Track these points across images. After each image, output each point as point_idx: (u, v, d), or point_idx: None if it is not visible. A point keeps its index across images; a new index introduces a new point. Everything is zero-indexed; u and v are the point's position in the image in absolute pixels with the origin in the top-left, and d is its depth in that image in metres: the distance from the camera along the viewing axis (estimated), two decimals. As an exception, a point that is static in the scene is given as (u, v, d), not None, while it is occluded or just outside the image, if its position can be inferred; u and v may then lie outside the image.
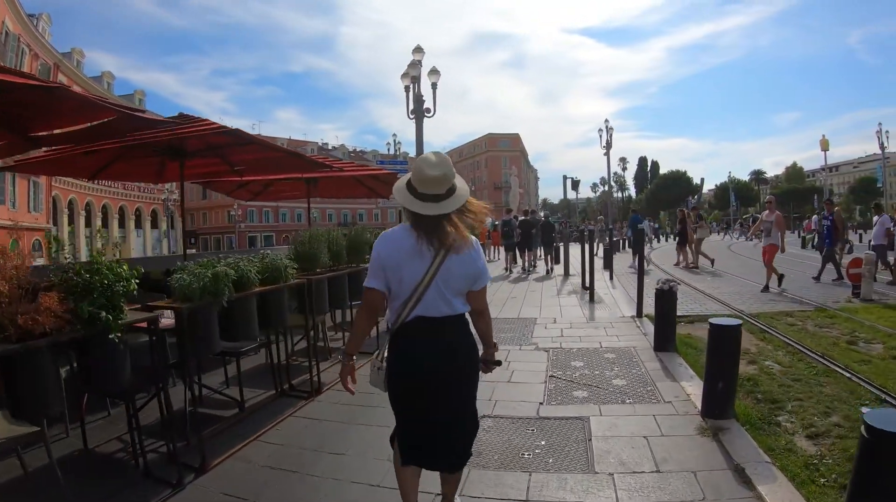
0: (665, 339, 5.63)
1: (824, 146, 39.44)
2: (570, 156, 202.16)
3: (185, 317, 3.47)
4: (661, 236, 39.21)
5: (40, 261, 32.75)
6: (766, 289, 10.11)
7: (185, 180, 12.76)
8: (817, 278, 11.62)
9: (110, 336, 2.89)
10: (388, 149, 37.04)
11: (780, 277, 10.38)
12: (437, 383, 2.22)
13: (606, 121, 30.07)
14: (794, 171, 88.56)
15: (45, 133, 6.07)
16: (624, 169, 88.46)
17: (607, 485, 3.00)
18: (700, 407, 4.00)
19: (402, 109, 15.12)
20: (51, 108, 4.80)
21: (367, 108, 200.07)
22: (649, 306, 7.89)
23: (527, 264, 16.08)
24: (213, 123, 5.76)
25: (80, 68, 39.98)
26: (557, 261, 17.02)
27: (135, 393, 3.76)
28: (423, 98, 15.11)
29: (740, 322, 3.88)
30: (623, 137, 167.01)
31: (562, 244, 16.08)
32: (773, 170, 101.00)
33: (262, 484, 3.24)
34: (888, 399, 4.24)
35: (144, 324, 3.33)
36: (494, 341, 2.52)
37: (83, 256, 39.13)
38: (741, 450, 3.33)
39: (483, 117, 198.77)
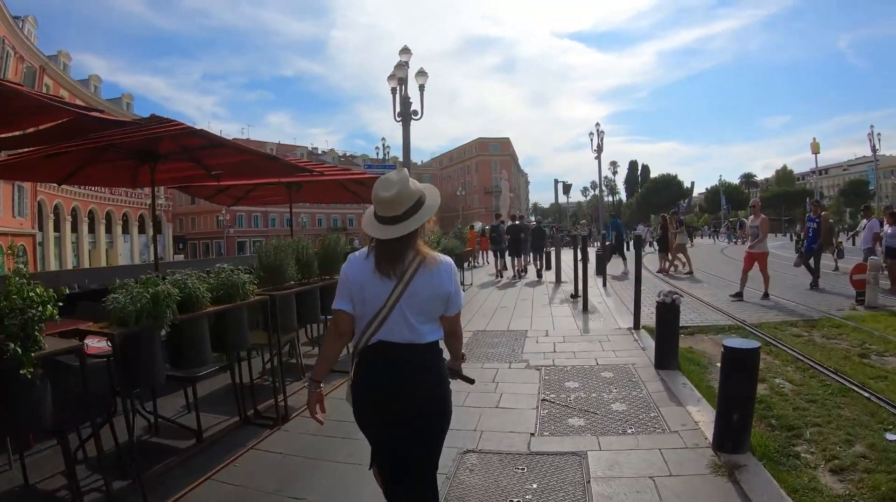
0: (666, 356, 5.19)
1: (815, 148, 39.45)
2: (560, 160, 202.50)
3: (117, 345, 2.99)
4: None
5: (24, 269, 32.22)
6: (766, 296, 9.65)
7: (161, 185, 12.24)
8: (814, 286, 11.13)
9: (21, 371, 2.41)
10: (378, 154, 36.66)
11: (739, 293, 9.86)
12: (393, 417, 2.04)
13: (598, 124, 29.87)
14: (784, 174, 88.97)
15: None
16: (615, 173, 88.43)
17: (611, 545, 2.54)
18: (711, 439, 3.55)
19: (393, 113, 14.67)
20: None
21: (357, 113, 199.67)
22: (646, 316, 7.51)
23: (517, 270, 15.90)
24: (180, 124, 5.35)
25: (67, 71, 39.21)
26: (549, 268, 16.81)
27: (70, 427, 3.30)
28: (411, 100, 14.68)
29: (758, 344, 3.43)
30: (613, 141, 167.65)
31: (553, 249, 15.74)
32: (762, 173, 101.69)
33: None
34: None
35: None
36: (463, 352, 2.42)
37: (69, 263, 38.56)
38: (762, 494, 2.90)
39: (473, 121, 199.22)
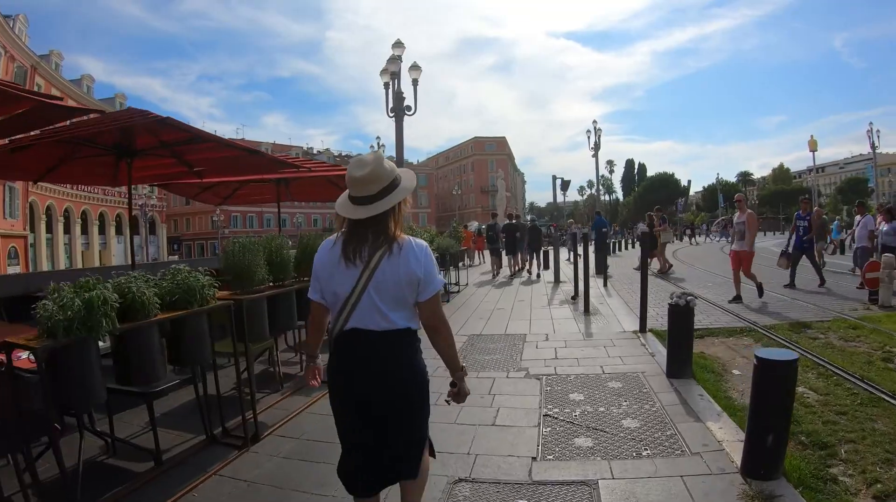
0: (679, 364, 4.72)
1: (813, 146, 39.06)
2: (556, 159, 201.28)
3: (41, 360, 2.50)
4: (675, 237, 38.79)
5: (17, 270, 31.60)
6: (737, 299, 8.91)
7: (141, 182, 11.76)
8: (821, 284, 10.60)
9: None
10: (372, 153, 36.02)
11: (737, 297, 9.09)
12: (365, 409, 2.00)
13: (595, 122, 29.48)
14: (780, 173, 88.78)
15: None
16: (611, 171, 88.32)
17: None
18: (739, 463, 3.08)
19: (386, 109, 14.18)
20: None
21: (354, 113, 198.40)
22: (651, 318, 7.06)
23: (513, 269, 15.76)
24: (150, 113, 4.91)
25: (59, 71, 38.56)
26: (546, 267, 16.68)
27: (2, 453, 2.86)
28: (404, 95, 14.19)
29: (796, 355, 2.96)
30: (610, 140, 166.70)
31: (551, 248, 15.35)
32: (759, 171, 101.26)
33: None
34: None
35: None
36: (463, 364, 2.20)
37: (62, 264, 37.90)
38: (807, 533, 2.44)
39: (470, 122, 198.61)
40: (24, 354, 3.00)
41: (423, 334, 2.12)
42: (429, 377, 2.11)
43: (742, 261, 9.16)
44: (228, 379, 4.65)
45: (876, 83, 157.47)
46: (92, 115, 5.99)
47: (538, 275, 15.12)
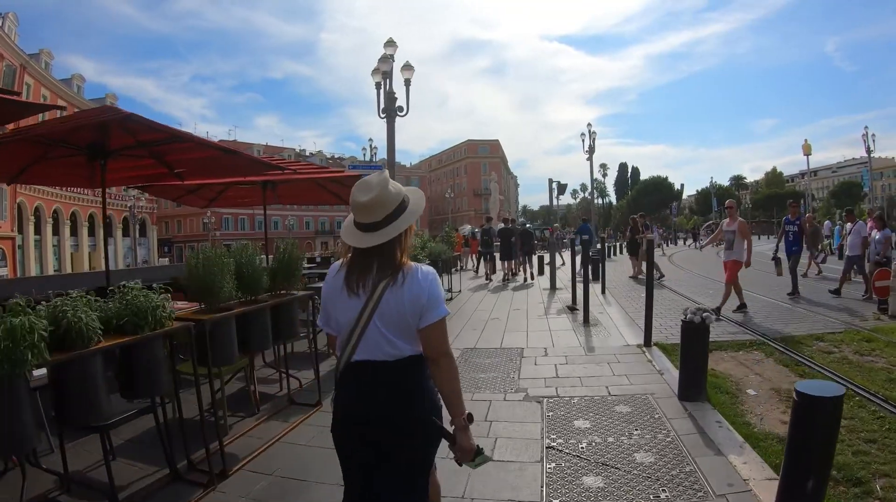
0: (692, 386, 4.33)
1: (807, 150, 38.98)
2: (550, 163, 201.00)
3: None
4: (669, 241, 38.66)
5: (4, 272, 30.91)
6: (717, 311, 8.09)
7: (119, 184, 11.32)
8: (792, 293, 10.15)
9: None
10: (365, 155, 35.67)
11: (740, 306, 8.59)
12: (375, 434, 1.85)
13: (589, 124, 29.17)
14: (773, 176, 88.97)
15: None
16: (604, 175, 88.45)
17: None
18: (773, 510, 2.69)
19: (377, 109, 13.76)
20: None
21: (347, 115, 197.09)
22: (656, 330, 6.69)
23: (507, 273, 15.62)
24: (121, 111, 4.54)
25: (49, 70, 37.81)
26: (541, 273, 16.50)
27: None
28: (396, 95, 13.79)
29: (842, 390, 2.56)
30: (603, 144, 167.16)
31: (547, 254, 15.01)
32: (751, 175, 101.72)
33: None
34: None
35: None
36: (469, 411, 1.93)
37: (50, 266, 37.17)
38: None
39: (463, 124, 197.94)
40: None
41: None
42: (440, 403, 1.91)
43: (727, 269, 8.60)
44: (196, 404, 4.23)
45: (867, 87, 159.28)
46: (64, 114, 5.64)
47: (530, 279, 15.02)
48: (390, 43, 13.96)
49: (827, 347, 6.32)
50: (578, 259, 13.26)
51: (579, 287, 9.08)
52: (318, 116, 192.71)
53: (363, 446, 1.87)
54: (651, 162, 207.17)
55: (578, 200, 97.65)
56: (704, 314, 4.15)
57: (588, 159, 29.50)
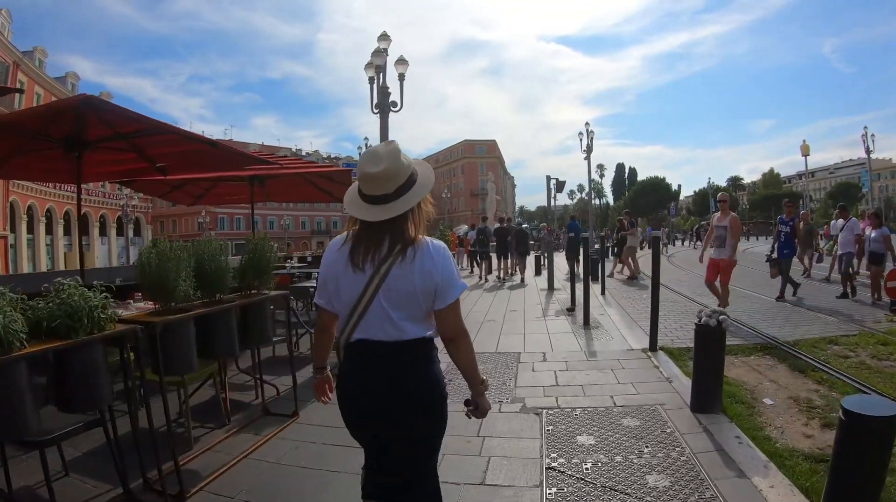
0: (707, 396, 3.92)
1: (805, 151, 38.69)
2: (547, 163, 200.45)
3: None
4: (674, 241, 38.40)
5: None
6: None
7: (99, 179, 10.95)
8: (779, 297, 9.61)
9: None
10: (360, 154, 35.35)
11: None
12: (374, 426, 1.79)
13: (587, 124, 28.79)
14: (771, 177, 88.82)
15: None
16: (602, 175, 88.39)
17: None
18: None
19: (370, 105, 13.36)
20: None
21: (345, 116, 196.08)
22: (659, 332, 6.29)
23: (502, 273, 15.63)
24: (92, 97, 4.25)
25: (43, 67, 37.16)
26: (538, 273, 16.31)
27: None
28: (389, 90, 13.38)
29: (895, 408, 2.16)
30: (600, 144, 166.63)
31: (544, 254, 14.69)
32: (748, 176, 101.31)
33: None
34: None
35: None
36: (483, 378, 1.95)
37: (43, 265, 36.58)
38: None
39: (461, 124, 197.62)
40: None
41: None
42: (446, 391, 1.86)
43: (721, 271, 7.90)
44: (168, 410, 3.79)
45: (864, 88, 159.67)
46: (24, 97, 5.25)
47: (522, 279, 14.83)
48: (384, 37, 13.56)
49: (842, 351, 5.94)
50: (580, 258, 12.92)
51: (578, 286, 8.69)
52: (316, 116, 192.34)
53: (368, 428, 1.83)
54: (648, 163, 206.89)
55: (575, 201, 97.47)
56: (721, 317, 3.73)
57: (586, 158, 29.13)
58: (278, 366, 5.59)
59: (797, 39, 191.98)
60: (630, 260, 14.34)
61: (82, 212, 42.61)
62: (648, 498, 2.76)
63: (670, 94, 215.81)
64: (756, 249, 27.16)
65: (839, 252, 10.37)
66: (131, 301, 4.39)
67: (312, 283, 6.92)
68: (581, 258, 11.06)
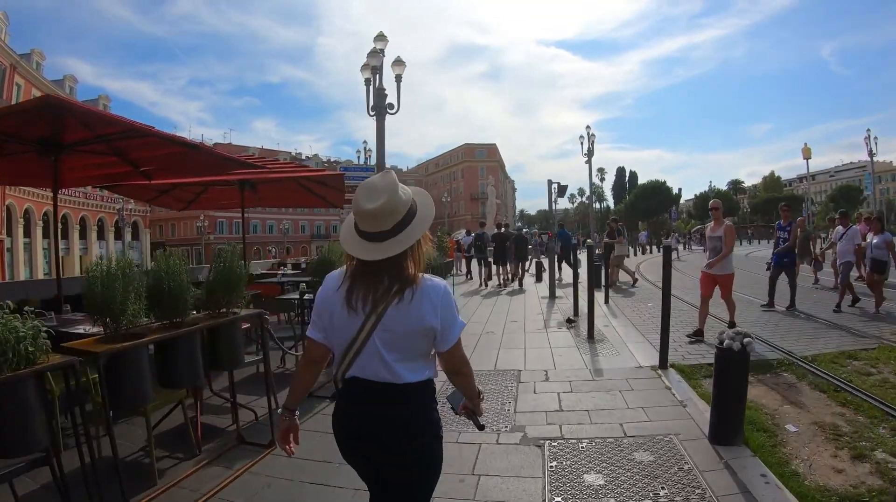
0: (727, 426, 3.53)
1: (806, 154, 38.35)
2: (546, 167, 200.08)
3: None
4: (683, 246, 38.02)
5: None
6: (731, 325, 6.93)
7: (81, 184, 10.66)
8: (789, 306, 9.12)
9: None
10: (360, 158, 34.97)
11: (698, 332, 7.10)
12: (365, 448, 1.74)
13: (588, 127, 28.57)
14: (771, 181, 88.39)
15: None
16: (602, 179, 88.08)
17: None
18: None
19: (367, 107, 13.01)
20: None
21: (344, 120, 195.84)
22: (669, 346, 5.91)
23: (501, 279, 15.37)
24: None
25: (40, 70, 36.94)
26: (539, 279, 16.13)
27: None
28: (386, 92, 13.04)
29: None
30: (599, 149, 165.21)
31: (546, 260, 14.37)
32: (748, 180, 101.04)
33: None
34: None
35: None
36: (479, 389, 1.93)
37: (41, 270, 36.20)
38: None
39: (460, 129, 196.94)
40: None
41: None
42: (442, 433, 1.79)
43: (720, 285, 7.22)
44: (135, 437, 3.41)
45: (862, 92, 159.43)
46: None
47: (517, 285, 14.66)
48: (380, 37, 13.22)
49: (863, 367, 5.57)
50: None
51: (581, 294, 8.31)
52: (316, 120, 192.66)
53: (359, 449, 1.77)
54: (647, 167, 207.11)
55: (576, 205, 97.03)
56: (746, 340, 3.34)
57: (587, 162, 28.84)
58: (261, 384, 5.20)
59: (795, 42, 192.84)
60: (621, 268, 14.15)
61: (80, 217, 42.31)
62: (669, 557, 2.38)
63: (669, 98, 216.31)
64: (758, 253, 26.81)
65: (838, 261, 9.95)
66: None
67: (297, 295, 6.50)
68: (573, 265, 10.74)
